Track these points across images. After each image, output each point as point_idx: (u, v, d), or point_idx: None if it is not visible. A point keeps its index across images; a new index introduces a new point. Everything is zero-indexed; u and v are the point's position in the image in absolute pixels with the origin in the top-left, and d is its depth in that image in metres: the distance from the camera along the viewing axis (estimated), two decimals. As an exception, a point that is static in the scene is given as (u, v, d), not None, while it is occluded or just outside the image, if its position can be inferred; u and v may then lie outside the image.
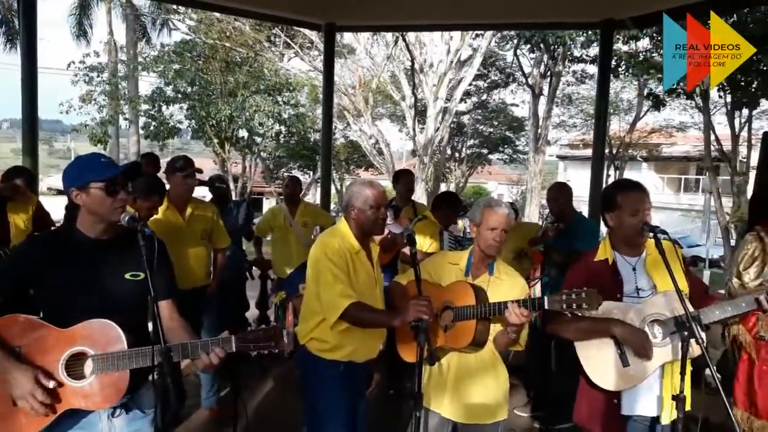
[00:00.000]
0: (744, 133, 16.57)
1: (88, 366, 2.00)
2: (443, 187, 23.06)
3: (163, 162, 5.17)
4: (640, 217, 2.46)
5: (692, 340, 2.25)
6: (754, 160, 17.41)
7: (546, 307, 2.38)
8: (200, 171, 4.43)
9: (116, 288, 2.10)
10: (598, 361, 2.49)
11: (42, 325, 2.02)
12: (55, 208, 4.88)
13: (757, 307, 2.38)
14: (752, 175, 16.70)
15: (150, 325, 3.12)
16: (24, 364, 1.96)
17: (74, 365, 2.00)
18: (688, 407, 2.41)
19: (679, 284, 2.30)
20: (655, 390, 2.48)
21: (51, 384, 1.96)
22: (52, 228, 3.47)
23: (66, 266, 2.06)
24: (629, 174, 25.41)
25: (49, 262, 2.05)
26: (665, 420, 2.46)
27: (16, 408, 1.98)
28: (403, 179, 5.31)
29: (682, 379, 2.31)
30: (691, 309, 2.28)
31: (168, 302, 2.21)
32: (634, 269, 2.54)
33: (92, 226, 2.10)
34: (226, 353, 2.03)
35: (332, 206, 9.26)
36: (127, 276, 2.12)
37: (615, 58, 12.99)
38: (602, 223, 2.72)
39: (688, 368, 2.32)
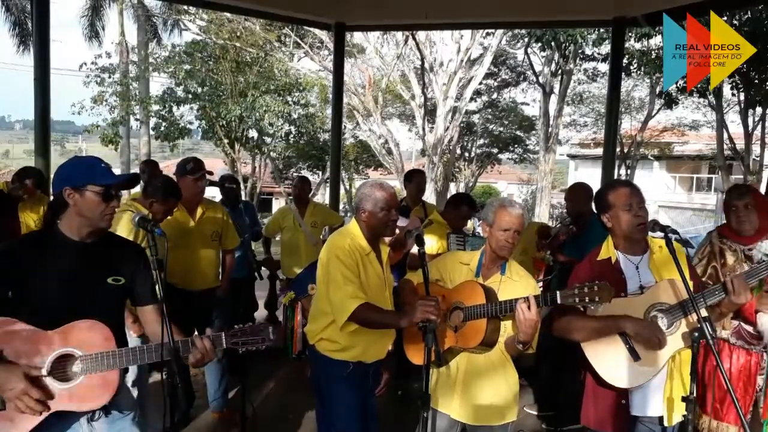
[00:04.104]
0: (757, 132, 16.43)
1: (77, 367, 1.98)
2: (452, 187, 23.00)
3: (174, 162, 5.15)
4: (634, 210, 2.47)
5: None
6: (767, 159, 17.26)
7: (559, 301, 2.36)
8: (210, 173, 4.41)
9: (97, 292, 2.08)
10: (609, 359, 2.46)
11: (27, 328, 1.97)
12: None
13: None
14: (765, 174, 16.56)
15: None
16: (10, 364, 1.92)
17: (60, 367, 1.98)
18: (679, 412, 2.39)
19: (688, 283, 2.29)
20: (665, 391, 2.44)
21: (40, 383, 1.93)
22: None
23: (47, 268, 2.02)
24: (641, 173, 25.26)
25: (30, 263, 2.01)
26: (672, 421, 2.43)
27: (3, 411, 1.93)
28: (416, 179, 5.29)
29: (693, 380, 2.28)
30: (703, 313, 2.26)
31: (152, 307, 2.20)
32: (637, 268, 2.53)
33: (78, 228, 2.07)
34: (213, 347, 2.06)
35: (341, 206, 9.25)
36: (109, 281, 2.11)
37: (627, 55, 12.89)
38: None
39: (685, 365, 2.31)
